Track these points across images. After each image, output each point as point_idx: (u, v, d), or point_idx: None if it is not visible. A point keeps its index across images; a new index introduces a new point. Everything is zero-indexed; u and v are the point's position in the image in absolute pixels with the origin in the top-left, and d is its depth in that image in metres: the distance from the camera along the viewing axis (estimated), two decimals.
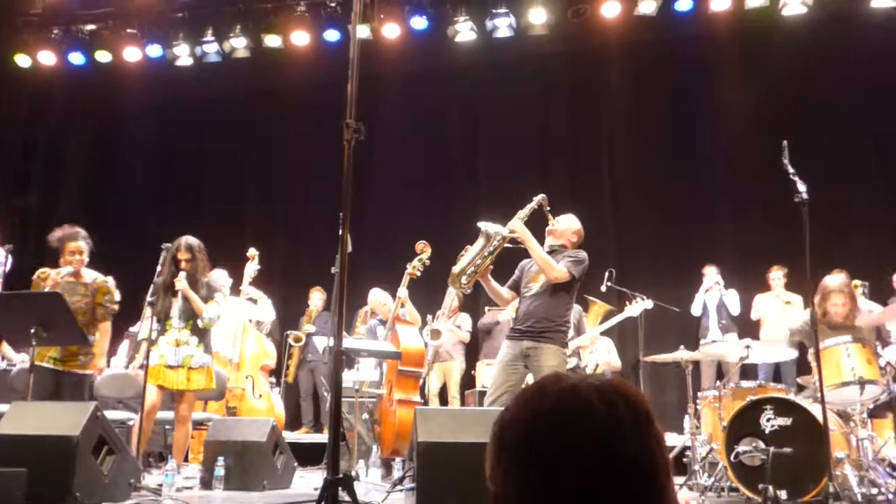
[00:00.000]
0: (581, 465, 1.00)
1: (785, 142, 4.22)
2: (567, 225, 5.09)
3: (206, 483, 4.90)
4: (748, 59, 8.70)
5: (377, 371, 6.59)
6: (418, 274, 6.25)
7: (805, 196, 3.98)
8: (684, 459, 5.54)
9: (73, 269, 5.29)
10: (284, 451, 5.30)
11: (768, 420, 4.54)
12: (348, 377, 5.87)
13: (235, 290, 7.46)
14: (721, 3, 8.16)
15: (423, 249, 6.19)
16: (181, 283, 5.28)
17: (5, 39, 9.48)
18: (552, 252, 4.92)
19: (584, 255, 4.92)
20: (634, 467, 1.01)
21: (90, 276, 5.42)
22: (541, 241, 4.91)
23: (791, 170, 4.10)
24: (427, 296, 7.27)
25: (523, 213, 4.97)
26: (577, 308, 6.80)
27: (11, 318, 4.74)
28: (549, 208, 4.99)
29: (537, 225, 4.99)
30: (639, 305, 6.71)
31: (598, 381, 1.06)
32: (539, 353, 4.64)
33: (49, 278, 5.28)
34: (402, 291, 6.43)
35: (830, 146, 8.15)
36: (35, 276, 5.38)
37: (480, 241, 4.96)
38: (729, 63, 8.71)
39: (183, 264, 5.35)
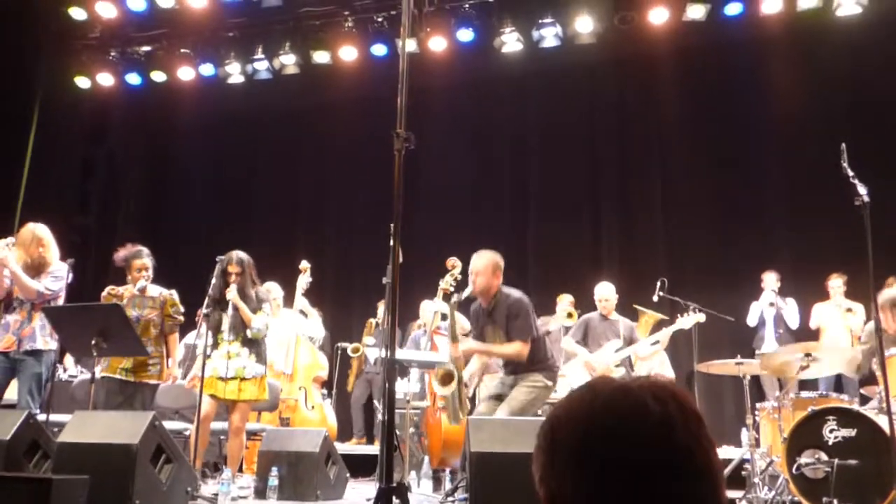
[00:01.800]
0: (638, 463, 1.00)
1: (843, 144, 4.11)
2: (485, 277, 4.99)
3: (260, 492, 4.95)
4: (801, 62, 8.49)
5: (419, 384, 6.65)
6: (451, 289, 6.36)
7: (866, 199, 3.86)
8: (743, 473, 5.39)
9: (144, 284, 5.57)
10: (337, 461, 5.33)
11: (831, 431, 4.41)
12: (399, 387, 5.88)
13: (289, 302, 7.56)
14: (772, 6, 8.01)
15: (454, 265, 6.31)
16: (232, 292, 5.42)
17: (66, 63, 9.83)
18: (492, 311, 4.97)
19: (524, 305, 4.91)
20: (690, 466, 1.01)
21: (155, 290, 5.69)
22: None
23: (850, 172, 3.99)
24: (466, 310, 7.29)
25: (452, 332, 5.08)
26: (627, 323, 6.74)
27: (73, 329, 4.89)
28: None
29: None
30: (691, 318, 6.58)
31: (646, 382, 1.07)
32: (522, 377, 4.88)
33: (121, 296, 5.55)
34: (440, 306, 6.53)
35: (889, 148, 7.90)
36: (105, 293, 5.65)
37: (448, 399, 5.13)
38: (781, 66, 8.51)
39: (233, 277, 5.50)
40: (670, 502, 1.00)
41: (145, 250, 5.70)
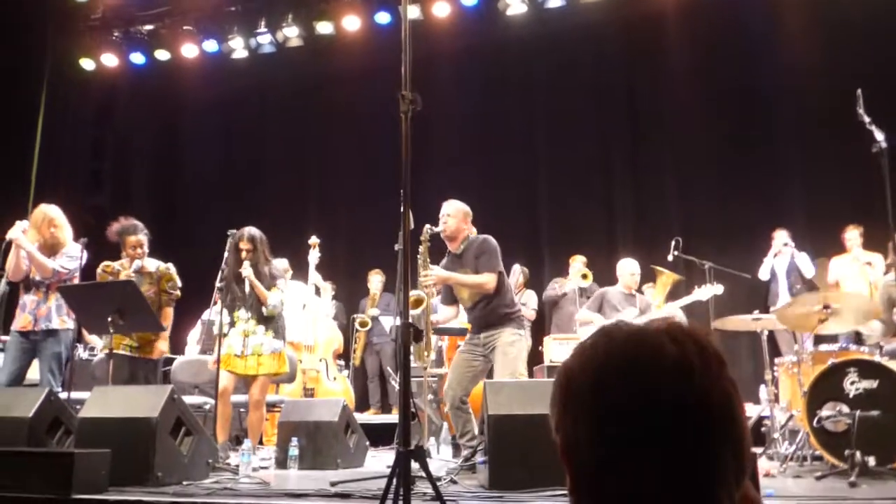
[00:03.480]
0: (656, 407, 0.96)
1: (859, 90, 4.02)
2: (456, 219, 5.05)
3: (281, 463, 4.99)
4: (814, 9, 8.28)
5: (434, 351, 6.66)
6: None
7: (884, 144, 3.78)
8: (762, 429, 5.38)
9: (140, 264, 5.47)
10: (356, 430, 5.36)
11: (852, 383, 4.37)
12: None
13: (302, 277, 7.58)
14: None
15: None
16: (247, 269, 5.41)
17: (70, 45, 9.81)
18: (461, 254, 5.01)
19: (490, 242, 4.97)
20: (709, 409, 0.96)
21: (153, 265, 5.58)
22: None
23: (867, 119, 3.90)
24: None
25: (424, 259, 5.03)
26: (644, 298, 6.73)
27: (90, 307, 4.91)
28: (432, 228, 5.01)
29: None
30: (708, 290, 6.54)
31: (664, 324, 1.02)
32: (496, 335, 4.86)
33: (117, 273, 5.46)
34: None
35: None
36: (99, 270, 5.54)
37: (416, 312, 5.05)
38: (793, 12, 8.30)
39: (244, 254, 5.46)
40: (687, 450, 0.97)
41: (140, 225, 5.55)
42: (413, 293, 4.94)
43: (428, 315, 5.07)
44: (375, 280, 8.88)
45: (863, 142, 3.93)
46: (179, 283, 5.65)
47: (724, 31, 8.76)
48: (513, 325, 4.90)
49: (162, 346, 5.52)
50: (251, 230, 5.58)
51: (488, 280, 4.88)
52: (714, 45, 8.82)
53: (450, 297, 5.23)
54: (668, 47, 9.06)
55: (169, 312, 5.59)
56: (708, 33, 8.78)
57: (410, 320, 4.48)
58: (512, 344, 4.82)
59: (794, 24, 8.29)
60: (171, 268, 5.63)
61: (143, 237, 5.51)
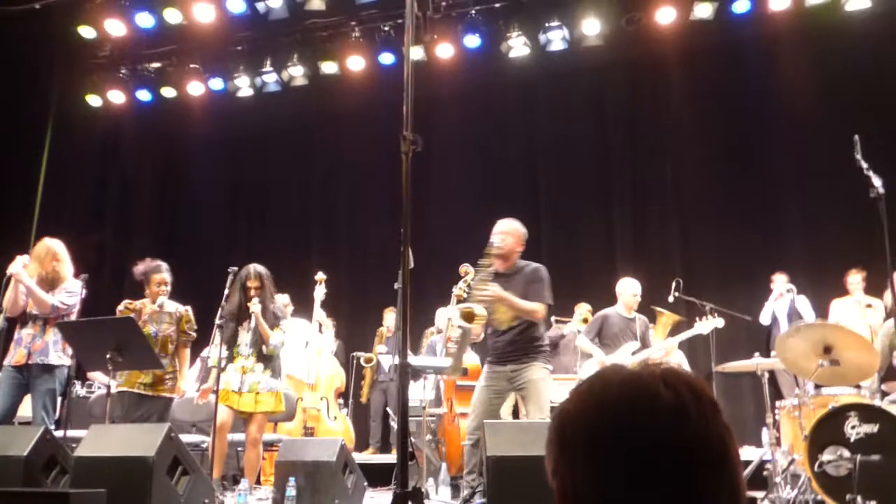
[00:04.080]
0: (651, 452, 0.97)
1: (856, 137, 4.06)
2: (513, 238, 4.98)
3: (278, 503, 4.94)
4: (811, 58, 8.43)
5: (433, 391, 6.64)
6: (465, 295, 6.36)
7: (881, 190, 3.81)
8: (764, 473, 5.32)
9: (163, 300, 5.59)
10: (354, 470, 5.30)
11: (853, 427, 4.34)
12: (414, 395, 5.87)
13: (305, 313, 7.58)
14: (780, 3, 7.97)
15: (467, 272, 6.32)
16: (256, 306, 5.42)
17: (77, 81, 9.93)
18: (509, 276, 4.92)
19: (544, 271, 4.90)
20: (705, 456, 0.97)
21: (172, 306, 5.72)
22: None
23: (864, 164, 3.94)
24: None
25: (486, 274, 4.93)
26: (643, 319, 6.68)
27: (88, 343, 4.91)
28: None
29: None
30: (709, 323, 6.50)
31: (659, 369, 1.04)
32: (524, 369, 4.74)
33: (139, 310, 5.56)
34: (452, 312, 6.51)
35: None
36: (121, 307, 5.62)
37: (459, 337, 4.97)
38: (791, 63, 8.45)
39: (252, 292, 5.49)
40: (685, 494, 0.97)
41: (164, 265, 5.72)
42: (467, 305, 4.88)
43: (474, 331, 4.92)
44: (389, 318, 8.84)
45: (861, 187, 3.96)
46: (195, 326, 5.79)
47: (724, 76, 8.88)
48: (541, 359, 4.80)
49: (184, 385, 5.67)
50: (258, 267, 5.62)
51: (540, 310, 4.79)
52: (714, 90, 8.94)
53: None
54: (669, 91, 9.19)
55: (186, 353, 5.73)
56: (708, 78, 8.91)
57: (462, 332, 4.47)
58: (544, 380, 4.73)
59: (794, 69, 8.41)
60: (190, 310, 5.78)
61: (167, 276, 5.68)
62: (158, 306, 5.60)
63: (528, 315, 4.81)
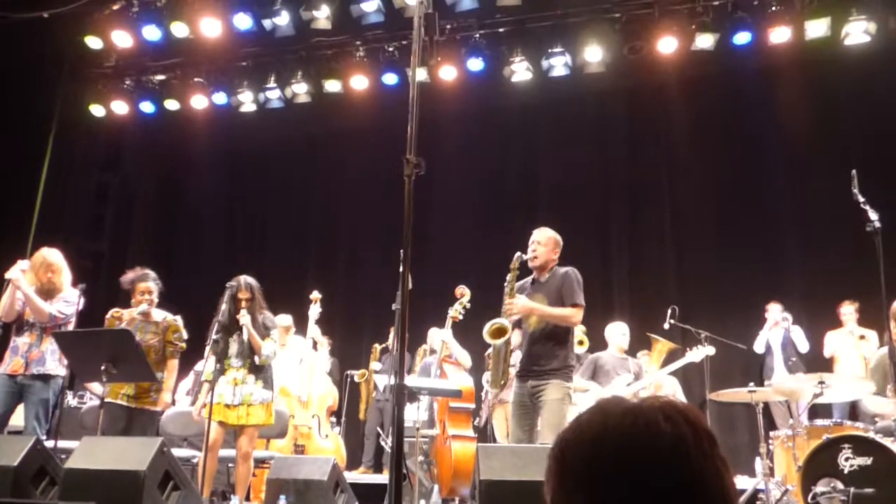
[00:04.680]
0: (650, 485, 0.98)
1: (854, 171, 4.10)
2: (546, 248, 5.00)
3: None
4: (811, 91, 8.52)
5: (427, 412, 6.63)
6: (460, 317, 6.39)
7: (877, 224, 3.85)
8: (758, 503, 5.31)
9: (146, 308, 5.52)
10: (345, 489, 5.27)
11: (847, 459, 4.35)
12: (407, 415, 5.85)
13: (300, 330, 7.57)
14: (781, 35, 8.04)
15: (463, 294, 6.38)
16: (245, 318, 5.42)
17: (81, 90, 9.97)
18: (545, 283, 4.93)
19: (575, 274, 4.90)
20: (702, 487, 0.99)
21: (160, 315, 5.66)
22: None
23: (861, 199, 3.97)
24: (478, 336, 7.27)
25: (511, 288, 4.95)
26: (636, 361, 6.75)
27: (83, 354, 4.89)
28: (522, 256, 4.97)
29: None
30: (700, 352, 6.55)
31: (658, 402, 1.05)
32: (543, 387, 4.70)
33: (122, 317, 5.53)
34: (447, 334, 6.53)
35: None
36: (108, 316, 5.66)
37: (493, 353, 5.05)
38: (791, 95, 8.53)
39: (243, 303, 5.48)
40: None
41: (152, 274, 5.67)
42: (495, 322, 4.89)
43: (508, 346, 4.94)
44: (392, 336, 8.82)
45: (858, 220, 3.99)
46: (185, 336, 5.72)
47: (724, 106, 8.96)
48: (561, 377, 4.73)
49: (167, 397, 5.54)
50: (248, 279, 5.61)
51: (573, 314, 4.76)
52: (714, 120, 9.01)
53: (517, 321, 5.02)
54: (670, 119, 9.26)
55: (174, 364, 5.62)
56: (709, 108, 8.99)
57: (492, 351, 4.46)
58: (561, 400, 4.65)
59: (793, 101, 8.49)
60: (179, 320, 5.72)
61: (152, 284, 5.61)
62: (141, 314, 5.52)
63: (561, 320, 4.77)
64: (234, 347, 5.49)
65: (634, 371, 6.59)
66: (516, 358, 6.36)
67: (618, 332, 6.77)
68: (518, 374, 4.92)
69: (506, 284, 4.93)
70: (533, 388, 4.76)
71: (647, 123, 9.47)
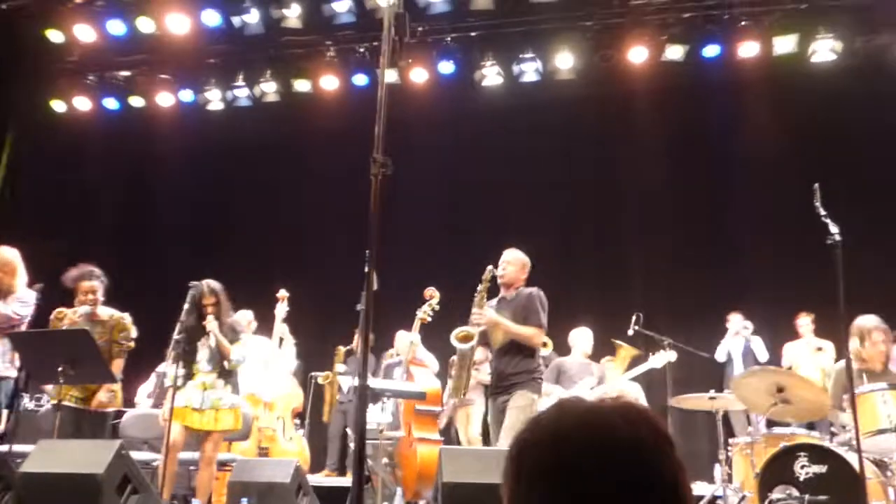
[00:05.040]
0: (607, 485, 0.99)
1: (816, 185, 4.17)
2: (515, 267, 5.21)
3: None
4: (777, 105, 8.68)
5: (390, 414, 6.62)
6: (429, 319, 6.40)
7: (837, 238, 3.91)
8: None
9: (89, 310, 5.31)
10: (308, 492, 5.24)
11: (803, 467, 4.42)
12: (372, 417, 5.83)
13: (266, 330, 7.49)
14: (749, 50, 8.18)
15: (432, 295, 6.39)
16: (212, 324, 5.33)
17: (42, 86, 9.76)
18: (511, 301, 5.11)
19: (540, 297, 5.08)
20: (659, 487, 1.00)
21: (106, 313, 5.44)
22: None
23: (822, 212, 4.04)
24: (444, 339, 7.27)
25: (481, 297, 5.10)
26: (600, 366, 6.84)
27: (39, 355, 4.78)
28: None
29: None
30: (662, 357, 6.65)
31: (616, 403, 1.06)
32: (510, 399, 4.86)
33: (66, 318, 5.32)
34: (415, 336, 6.54)
35: (860, 190, 8.06)
36: (52, 317, 5.41)
37: (458, 359, 5.20)
38: (757, 109, 8.69)
39: (209, 309, 5.38)
40: None
41: (96, 271, 5.41)
42: (462, 329, 5.06)
43: (473, 352, 5.08)
44: (357, 338, 8.77)
45: (819, 233, 4.05)
46: (134, 334, 5.48)
47: (692, 117, 9.07)
48: (527, 388, 4.87)
49: (102, 396, 5.27)
50: (212, 284, 5.48)
51: (535, 334, 4.93)
52: (682, 130, 9.13)
53: (483, 338, 5.18)
54: (638, 128, 9.34)
55: (119, 364, 5.38)
56: (677, 118, 9.09)
57: (457, 356, 4.54)
58: (525, 407, 4.78)
59: (760, 114, 8.66)
60: (127, 318, 5.47)
61: (97, 283, 5.35)
62: (89, 315, 5.29)
63: (523, 339, 4.93)
64: (203, 352, 5.40)
65: (598, 376, 6.67)
66: (484, 374, 6.46)
67: (582, 338, 6.85)
68: (490, 394, 5.09)
69: (475, 294, 5.02)
70: (502, 404, 4.91)
71: (615, 131, 9.55)
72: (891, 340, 5.03)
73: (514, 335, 4.94)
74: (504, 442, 4.71)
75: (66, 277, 5.40)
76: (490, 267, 5.14)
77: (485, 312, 4.97)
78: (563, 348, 7.51)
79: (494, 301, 5.23)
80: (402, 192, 8.87)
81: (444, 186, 9.87)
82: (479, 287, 5.08)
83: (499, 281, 5.16)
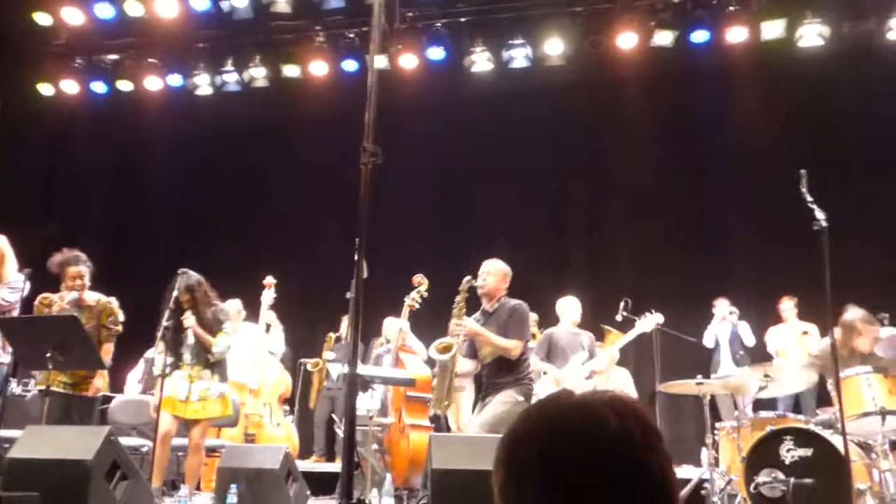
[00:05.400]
0: (598, 478, 1.01)
1: (803, 171, 4.19)
2: (495, 278, 5.19)
3: None
4: (765, 90, 8.69)
5: (380, 401, 6.64)
6: (417, 306, 6.42)
7: (824, 224, 3.94)
8: (702, 492, 5.44)
9: (76, 296, 5.29)
10: (297, 478, 5.26)
11: (788, 451, 4.48)
12: (361, 404, 5.85)
13: (253, 317, 7.49)
14: (737, 35, 8.17)
15: (421, 282, 6.39)
16: (189, 320, 5.32)
17: (29, 69, 9.66)
18: (493, 313, 5.12)
19: (523, 308, 5.10)
20: (647, 479, 1.02)
21: (93, 298, 5.42)
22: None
23: (809, 198, 4.07)
24: (432, 326, 7.28)
25: (459, 308, 5.11)
26: (588, 334, 6.82)
27: (28, 341, 4.77)
28: (472, 281, 5.15)
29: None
30: (650, 320, 6.68)
31: (607, 396, 1.08)
32: (494, 396, 4.92)
33: (54, 304, 5.29)
34: (404, 323, 6.55)
35: (848, 176, 8.10)
36: (37, 302, 5.38)
37: (438, 370, 5.21)
38: (745, 94, 8.70)
39: (185, 305, 5.36)
40: None
41: (82, 256, 5.38)
42: (442, 340, 5.07)
43: (454, 363, 5.09)
44: (344, 325, 8.77)
45: (805, 219, 4.08)
46: (122, 319, 5.46)
47: (681, 102, 9.08)
48: (513, 388, 4.91)
49: (98, 382, 5.32)
50: (187, 280, 5.38)
51: (515, 346, 4.94)
52: (671, 115, 9.14)
53: (471, 350, 5.23)
54: (627, 114, 9.33)
55: (108, 349, 5.39)
56: (666, 103, 9.09)
57: (438, 367, 4.56)
58: (505, 403, 4.82)
59: (748, 99, 8.66)
60: (114, 302, 5.45)
61: (83, 269, 5.32)
62: (76, 301, 5.27)
63: (503, 351, 4.96)
64: (186, 346, 5.39)
65: (588, 346, 6.68)
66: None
67: (570, 307, 6.85)
68: (478, 399, 5.14)
69: (454, 305, 5.05)
70: (487, 402, 4.96)
71: (604, 117, 9.55)
72: (876, 329, 5.09)
73: (494, 346, 4.98)
74: (475, 430, 4.78)
75: (52, 262, 5.37)
76: (468, 277, 5.13)
77: (464, 322, 5.00)
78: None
79: (478, 314, 5.25)
80: (390, 179, 8.84)
81: (434, 173, 9.86)
82: (458, 298, 5.09)
83: (479, 292, 5.16)
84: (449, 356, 5.03)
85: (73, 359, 4.78)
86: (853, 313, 5.06)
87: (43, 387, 5.02)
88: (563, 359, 6.61)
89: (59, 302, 5.30)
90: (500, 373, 4.99)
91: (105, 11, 8.80)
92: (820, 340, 5.81)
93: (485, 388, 5.09)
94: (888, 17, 7.91)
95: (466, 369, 5.36)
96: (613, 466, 1.01)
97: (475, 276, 5.14)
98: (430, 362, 6.96)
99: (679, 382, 5.68)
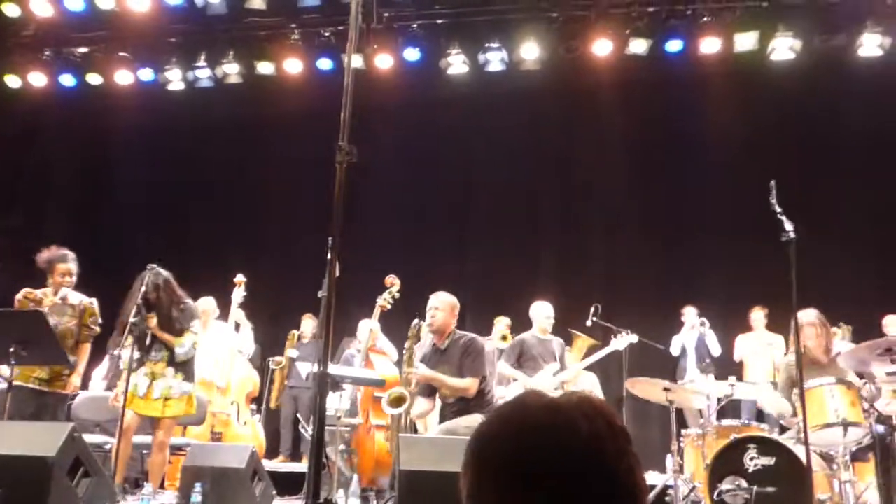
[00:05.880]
0: (566, 481, 1.00)
1: (773, 181, 4.24)
2: (444, 313, 5.17)
3: None
4: (736, 102, 8.83)
5: (348, 401, 6.62)
6: (388, 307, 6.40)
7: (792, 235, 3.99)
8: (667, 498, 5.49)
9: (66, 291, 5.31)
10: (263, 478, 5.21)
11: (752, 459, 4.52)
12: (330, 404, 5.82)
13: (224, 316, 7.41)
14: (711, 46, 8.29)
15: (392, 283, 6.37)
16: (152, 321, 5.26)
17: None
18: (445, 350, 5.10)
19: (478, 343, 5.08)
20: (616, 481, 1.02)
21: (76, 297, 5.45)
22: None
23: (778, 209, 4.12)
24: (403, 328, 7.28)
25: (409, 354, 5.19)
26: (559, 341, 6.84)
27: None
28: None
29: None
30: (624, 339, 6.73)
31: (576, 399, 1.07)
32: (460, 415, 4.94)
33: (41, 301, 5.29)
34: (374, 324, 6.54)
35: (817, 188, 8.26)
36: (20, 297, 5.34)
37: (392, 422, 5.34)
38: (717, 104, 8.83)
39: (152, 303, 5.30)
40: None
41: (71, 254, 5.44)
42: (395, 391, 5.07)
43: (407, 416, 5.10)
44: (307, 324, 8.73)
45: (774, 230, 4.13)
46: (100, 320, 5.53)
47: (654, 111, 9.19)
48: (477, 413, 4.90)
49: (76, 380, 5.35)
50: (154, 277, 5.31)
51: (470, 385, 4.93)
52: (644, 123, 9.24)
53: (427, 389, 5.22)
54: (601, 120, 9.43)
55: (86, 348, 5.46)
56: (639, 111, 9.20)
57: (390, 419, 4.52)
58: (469, 426, 4.77)
59: (720, 110, 8.79)
60: (95, 303, 5.51)
61: (72, 266, 5.39)
62: (61, 298, 5.31)
63: (461, 392, 4.97)
64: (153, 341, 5.33)
65: (558, 353, 6.69)
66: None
67: (542, 314, 6.83)
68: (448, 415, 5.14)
69: (404, 351, 5.09)
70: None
71: (578, 122, 9.63)
72: (828, 333, 5.16)
73: (450, 388, 5.00)
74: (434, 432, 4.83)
75: (40, 258, 5.41)
76: (416, 321, 5.14)
77: (416, 371, 5.00)
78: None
79: (428, 349, 5.22)
80: (364, 179, 8.86)
81: (409, 173, 9.84)
82: (406, 344, 5.14)
83: (429, 330, 5.15)
84: (401, 410, 5.05)
85: (37, 354, 4.72)
86: (805, 314, 5.10)
87: (10, 382, 4.95)
88: (533, 366, 6.61)
89: (45, 298, 5.32)
90: (464, 404, 5.01)
91: (75, 3, 8.68)
92: (784, 358, 5.87)
93: (450, 413, 5.10)
94: (858, 34, 8.08)
95: (423, 409, 5.35)
96: (582, 469, 1.01)
97: (423, 315, 5.12)
98: (400, 364, 6.97)
99: (646, 380, 5.70)
